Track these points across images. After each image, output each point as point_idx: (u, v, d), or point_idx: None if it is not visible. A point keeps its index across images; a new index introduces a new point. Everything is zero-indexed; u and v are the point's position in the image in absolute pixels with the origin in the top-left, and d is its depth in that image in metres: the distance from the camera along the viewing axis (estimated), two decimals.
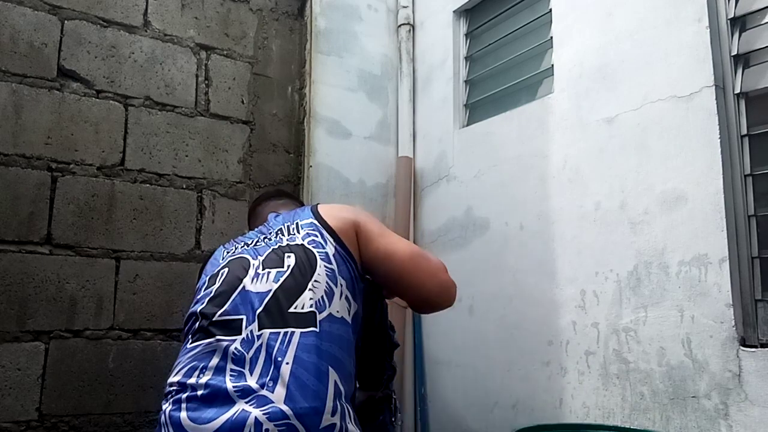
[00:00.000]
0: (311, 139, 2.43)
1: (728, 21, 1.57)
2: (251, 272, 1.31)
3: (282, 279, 1.27)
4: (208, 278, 1.37)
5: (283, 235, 1.39)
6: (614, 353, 1.69)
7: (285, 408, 1.08)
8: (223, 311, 1.25)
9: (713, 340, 1.47)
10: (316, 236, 1.35)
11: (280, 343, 1.16)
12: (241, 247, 1.42)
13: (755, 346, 1.42)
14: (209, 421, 1.08)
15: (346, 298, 1.29)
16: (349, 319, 1.27)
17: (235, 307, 1.25)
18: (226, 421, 1.07)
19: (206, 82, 2.32)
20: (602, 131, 1.80)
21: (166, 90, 2.22)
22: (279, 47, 2.51)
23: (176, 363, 1.23)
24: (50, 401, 1.90)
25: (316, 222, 1.38)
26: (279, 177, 2.42)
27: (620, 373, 1.67)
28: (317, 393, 1.12)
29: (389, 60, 2.69)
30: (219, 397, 1.11)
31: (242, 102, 2.39)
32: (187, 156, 2.24)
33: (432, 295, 1.42)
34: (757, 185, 1.50)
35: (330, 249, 1.33)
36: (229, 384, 1.13)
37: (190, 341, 1.25)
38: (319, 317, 1.21)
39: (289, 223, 1.42)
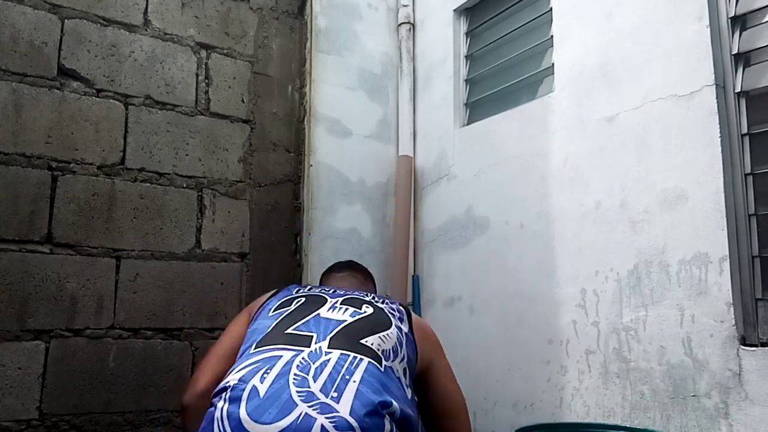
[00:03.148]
0: (311, 138, 2.43)
1: (729, 20, 1.56)
2: (328, 305, 1.38)
3: (358, 317, 1.34)
4: (279, 302, 1.43)
5: (367, 296, 1.48)
6: (614, 352, 1.69)
7: (351, 420, 1.10)
8: (296, 327, 1.30)
9: (713, 339, 1.47)
10: (398, 314, 1.42)
11: (349, 364, 1.20)
12: (318, 289, 1.50)
13: (755, 345, 1.42)
14: (272, 421, 1.08)
15: (404, 370, 1.33)
16: (405, 383, 1.31)
17: (308, 326, 1.30)
18: (291, 423, 1.08)
19: (206, 81, 2.32)
20: (603, 130, 1.80)
21: (166, 89, 2.22)
22: (279, 46, 2.51)
23: (236, 366, 1.24)
24: (51, 400, 1.90)
25: (403, 310, 1.46)
26: (279, 176, 2.42)
27: (620, 372, 1.67)
28: (380, 413, 1.14)
29: (389, 59, 2.69)
30: (281, 399, 1.12)
31: (242, 101, 2.38)
32: (187, 155, 2.24)
33: None
34: (758, 184, 1.50)
35: (404, 328, 1.40)
36: (293, 387, 1.14)
37: (253, 348, 1.28)
38: (384, 362, 1.26)
39: (379, 298, 1.50)
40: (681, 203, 1.57)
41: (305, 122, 2.46)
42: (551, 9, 2.05)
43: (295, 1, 2.58)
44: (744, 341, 1.43)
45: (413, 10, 2.70)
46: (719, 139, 1.51)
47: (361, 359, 1.22)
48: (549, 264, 1.92)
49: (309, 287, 1.53)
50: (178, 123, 2.23)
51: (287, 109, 2.49)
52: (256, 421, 1.09)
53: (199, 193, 2.24)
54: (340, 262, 1.89)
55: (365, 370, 1.19)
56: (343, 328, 1.29)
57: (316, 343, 1.24)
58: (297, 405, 1.10)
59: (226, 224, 2.27)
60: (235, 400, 1.13)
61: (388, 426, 1.14)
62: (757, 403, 1.37)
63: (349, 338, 1.27)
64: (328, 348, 1.23)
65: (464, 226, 2.28)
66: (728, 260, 1.46)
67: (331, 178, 2.45)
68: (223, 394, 1.16)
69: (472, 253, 2.24)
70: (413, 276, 2.49)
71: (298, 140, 2.48)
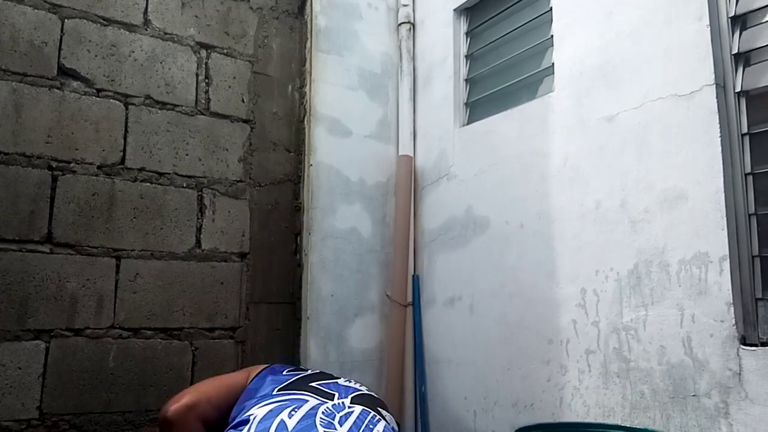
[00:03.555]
0: (311, 137, 2.43)
1: (729, 19, 1.56)
2: (339, 380, 1.44)
3: (361, 399, 1.37)
4: (286, 371, 1.45)
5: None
6: (614, 352, 1.69)
7: None
8: (319, 383, 1.36)
9: (713, 339, 1.47)
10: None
11: (370, 419, 1.25)
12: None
13: (755, 345, 1.42)
14: None
15: None
16: None
17: (328, 386, 1.36)
18: None
19: (206, 80, 2.32)
20: (603, 130, 1.80)
21: (166, 89, 2.22)
22: (279, 46, 2.51)
23: (255, 402, 1.25)
24: (51, 400, 1.90)
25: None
26: (279, 176, 2.42)
27: (620, 371, 1.67)
28: None
29: (389, 58, 2.69)
30: None
31: (242, 101, 2.38)
32: (187, 155, 2.24)
33: None
34: (758, 184, 1.50)
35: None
36: (320, 428, 1.16)
37: (276, 391, 1.30)
38: None
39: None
40: (681, 203, 1.57)
41: (305, 122, 2.46)
42: (551, 9, 2.05)
43: (295, 1, 2.58)
44: (744, 341, 1.43)
45: (413, 10, 2.70)
46: (719, 139, 1.51)
47: (380, 419, 1.27)
48: (549, 264, 1.92)
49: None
50: (178, 123, 2.23)
51: (287, 109, 2.49)
52: None
53: (199, 193, 2.24)
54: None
55: (384, 428, 1.25)
56: (361, 393, 1.37)
57: (339, 399, 1.31)
58: None
59: (226, 224, 2.28)
60: (263, 430, 1.13)
61: None
62: (757, 403, 1.37)
63: (367, 400, 1.34)
64: (350, 403, 1.29)
65: (464, 226, 2.28)
66: (728, 260, 1.46)
67: (331, 178, 2.45)
68: (248, 425, 1.15)
69: (472, 253, 2.24)
70: (413, 276, 2.49)
71: (298, 140, 2.48)
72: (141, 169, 2.14)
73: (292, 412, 1.18)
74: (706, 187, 1.52)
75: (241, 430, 1.15)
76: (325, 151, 2.45)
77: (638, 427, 1.59)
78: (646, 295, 1.63)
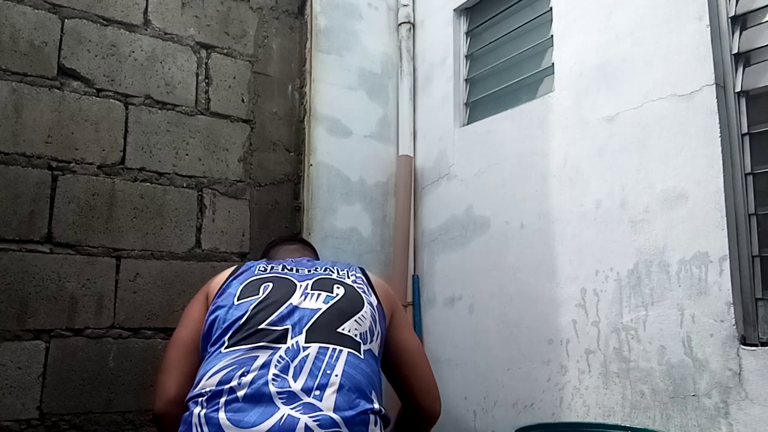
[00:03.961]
0: (311, 137, 2.43)
1: (729, 19, 1.56)
2: (299, 291, 1.33)
3: (331, 302, 1.31)
4: (242, 286, 1.36)
5: (332, 271, 1.45)
6: (614, 352, 1.69)
7: (335, 416, 1.10)
8: (270, 321, 1.25)
9: (714, 339, 1.47)
10: (363, 287, 1.42)
11: (329, 357, 1.19)
12: (281, 269, 1.45)
13: (755, 345, 1.42)
14: (254, 425, 1.07)
15: (378, 346, 1.35)
16: (378, 362, 1.34)
17: (282, 319, 1.26)
18: (274, 425, 1.06)
19: (206, 80, 2.32)
20: (603, 130, 1.80)
21: (166, 89, 2.22)
22: (279, 46, 2.51)
23: (208, 367, 1.20)
24: (51, 400, 1.90)
25: (363, 278, 1.46)
26: (279, 176, 2.42)
27: (620, 371, 1.67)
28: (363, 405, 1.15)
29: (389, 58, 2.69)
30: (262, 401, 1.10)
31: (242, 101, 2.38)
32: (187, 155, 2.23)
33: (432, 386, 1.49)
34: (758, 184, 1.50)
35: (374, 300, 1.40)
36: (273, 388, 1.12)
37: (226, 346, 1.22)
38: (363, 347, 1.26)
39: (338, 267, 1.49)
40: (681, 203, 1.57)
41: (305, 122, 2.46)
42: (551, 9, 2.05)
43: (295, 1, 2.58)
44: (744, 341, 1.43)
45: (413, 10, 2.70)
46: (719, 139, 1.51)
47: (341, 350, 1.21)
48: (549, 264, 1.92)
49: (270, 265, 1.47)
50: (178, 123, 2.23)
51: (287, 109, 2.49)
52: (236, 426, 1.07)
53: (199, 193, 2.24)
54: (288, 236, 1.90)
55: (345, 362, 1.19)
56: (318, 318, 1.26)
57: (292, 337, 1.21)
58: (279, 408, 1.09)
59: (226, 224, 2.27)
60: (213, 405, 1.11)
61: (372, 417, 1.16)
62: (757, 403, 1.37)
63: (326, 328, 1.24)
64: (305, 342, 1.20)
65: (464, 226, 2.28)
66: (728, 260, 1.46)
67: (331, 178, 2.45)
68: (200, 399, 1.14)
69: (472, 253, 2.24)
70: (413, 276, 2.49)
71: (298, 140, 2.48)
72: (141, 169, 2.14)
73: (242, 377, 1.14)
74: (706, 187, 1.52)
75: (193, 409, 1.15)
76: (325, 151, 2.45)
77: (638, 427, 1.59)
78: (646, 295, 1.63)
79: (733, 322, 1.44)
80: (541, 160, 2.00)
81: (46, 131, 1.99)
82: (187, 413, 1.16)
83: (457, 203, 2.33)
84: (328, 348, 1.20)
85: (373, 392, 1.20)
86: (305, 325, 1.24)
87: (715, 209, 1.50)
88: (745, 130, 1.52)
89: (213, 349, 1.25)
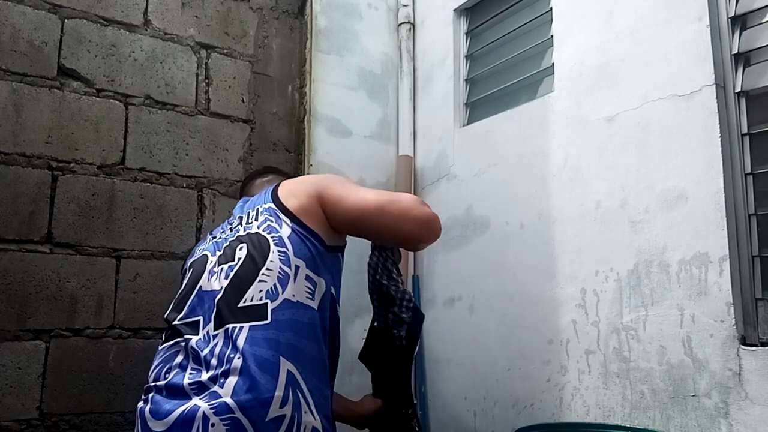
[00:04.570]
0: (311, 137, 2.43)
1: (729, 19, 1.56)
2: (207, 270, 1.36)
3: (232, 274, 1.29)
4: (183, 278, 1.47)
5: (240, 224, 1.41)
6: (614, 352, 1.69)
7: (230, 401, 1.11)
8: (182, 315, 1.32)
9: (713, 339, 1.47)
10: (272, 221, 1.35)
11: (232, 339, 1.19)
12: (210, 241, 1.48)
13: (755, 345, 1.42)
14: (165, 415, 1.15)
15: (307, 278, 1.29)
16: (313, 302, 1.27)
17: (193, 309, 1.31)
18: (179, 416, 1.13)
19: (206, 80, 2.32)
20: (603, 130, 1.80)
21: (166, 89, 2.22)
22: (279, 46, 2.51)
23: (152, 364, 1.32)
24: (51, 400, 1.90)
25: (273, 206, 1.38)
26: None
27: (620, 372, 1.67)
28: (264, 385, 1.13)
29: (389, 59, 2.69)
30: (178, 394, 1.17)
31: (242, 101, 2.38)
32: (187, 155, 2.24)
33: (414, 235, 1.42)
34: (758, 184, 1.50)
35: (285, 231, 1.32)
36: (186, 380, 1.18)
37: (161, 343, 1.34)
38: (271, 306, 1.23)
39: (250, 210, 1.43)
40: (681, 203, 1.57)
41: (305, 122, 2.46)
42: (551, 9, 2.05)
43: (295, 1, 2.58)
44: (744, 341, 1.43)
45: (413, 10, 2.70)
46: (719, 139, 1.51)
47: (242, 327, 1.20)
48: (549, 264, 1.92)
49: (210, 233, 1.54)
50: (178, 123, 2.23)
51: (287, 109, 2.49)
52: (154, 417, 1.17)
53: (200, 193, 2.24)
54: (264, 169, 1.90)
55: (246, 340, 1.18)
56: (221, 298, 1.27)
57: (203, 327, 1.25)
58: (190, 399, 1.15)
59: None
60: (145, 399, 1.23)
61: (280, 389, 1.14)
62: (757, 403, 1.37)
63: (228, 308, 1.24)
64: (214, 330, 1.23)
65: (464, 226, 2.28)
66: (728, 260, 1.46)
67: None
68: (142, 394, 1.27)
69: (472, 253, 2.24)
70: (413, 276, 2.49)
71: (298, 140, 2.48)
72: (141, 169, 2.14)
73: (166, 375, 1.23)
74: (706, 188, 1.52)
75: (139, 402, 1.26)
76: (325, 151, 2.45)
77: (638, 427, 1.59)
78: (646, 295, 1.63)
79: (733, 322, 1.44)
80: (541, 160, 2.00)
81: (46, 131, 1.99)
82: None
83: (457, 203, 2.33)
84: (229, 328, 1.21)
85: (282, 359, 1.17)
86: (212, 313, 1.26)
87: (715, 209, 1.50)
88: (745, 130, 1.52)
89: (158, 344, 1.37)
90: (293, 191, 1.40)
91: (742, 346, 1.42)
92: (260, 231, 1.34)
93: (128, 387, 2.02)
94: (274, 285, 1.25)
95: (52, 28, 2.04)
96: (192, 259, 1.48)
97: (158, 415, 1.16)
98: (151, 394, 1.23)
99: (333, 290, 1.36)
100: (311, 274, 1.30)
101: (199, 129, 2.27)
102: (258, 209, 1.40)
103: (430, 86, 2.57)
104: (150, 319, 2.08)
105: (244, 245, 1.33)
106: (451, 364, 2.26)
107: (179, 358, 1.25)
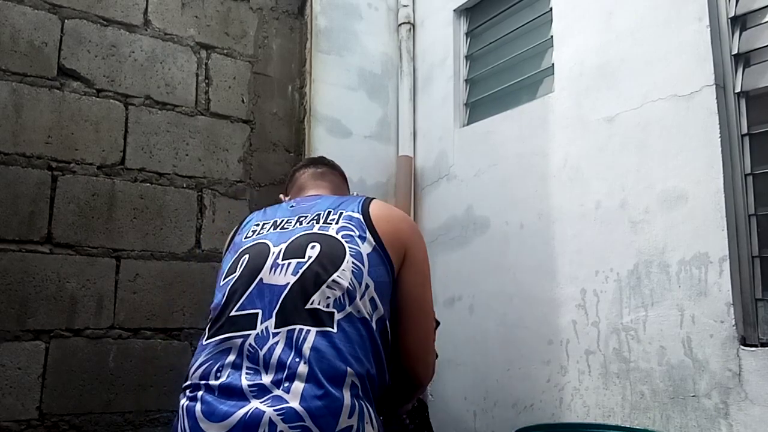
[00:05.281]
0: (311, 138, 2.43)
1: (729, 20, 1.56)
2: (270, 261, 1.26)
3: (301, 271, 1.22)
4: (231, 262, 1.33)
5: (317, 222, 1.33)
6: (614, 352, 1.69)
7: (299, 409, 1.06)
8: (239, 306, 1.22)
9: (713, 340, 1.47)
10: (353, 232, 1.29)
11: (296, 342, 1.13)
12: (269, 227, 1.37)
13: (755, 346, 1.42)
14: (223, 417, 1.07)
15: (372, 300, 1.24)
16: (372, 321, 1.22)
17: (252, 302, 1.21)
18: (240, 419, 1.06)
19: (206, 81, 2.32)
20: (603, 130, 1.80)
21: (166, 89, 2.22)
22: (279, 46, 2.51)
23: (195, 358, 1.21)
24: (51, 400, 1.90)
25: (361, 218, 1.32)
26: (279, 176, 2.42)
27: (620, 372, 1.67)
28: (333, 394, 1.09)
29: (389, 59, 2.69)
30: (234, 395, 1.10)
31: (242, 101, 2.38)
32: (187, 155, 2.24)
33: (420, 347, 1.39)
34: (758, 184, 1.50)
35: (366, 248, 1.28)
36: (245, 382, 1.11)
37: (206, 336, 1.23)
38: (337, 317, 1.17)
39: (331, 210, 1.36)
40: (681, 203, 1.57)
41: (305, 122, 2.46)
42: (551, 9, 2.05)
43: (295, 1, 2.58)
44: (744, 341, 1.43)
45: (413, 10, 2.70)
46: (719, 140, 1.51)
47: (308, 331, 1.14)
48: (549, 264, 1.92)
49: (264, 221, 1.41)
50: (178, 123, 2.23)
51: (287, 109, 2.49)
52: (208, 419, 1.08)
53: (199, 194, 2.24)
54: (314, 159, 1.75)
55: (313, 345, 1.12)
56: (286, 296, 1.20)
57: (262, 322, 1.17)
58: (249, 402, 1.08)
59: (226, 224, 2.27)
60: (193, 398, 1.14)
61: (348, 399, 1.09)
62: (757, 403, 1.37)
63: (293, 306, 1.18)
64: (275, 328, 1.16)
65: (464, 226, 2.28)
66: (728, 260, 1.46)
67: None
68: (186, 390, 1.17)
69: (472, 253, 2.24)
70: None
71: (298, 140, 2.48)
72: (141, 170, 2.14)
73: (218, 374, 1.14)
74: (706, 188, 1.52)
75: (180, 399, 1.17)
76: (325, 151, 2.44)
77: (638, 427, 1.59)
78: (646, 295, 1.63)
79: (733, 322, 1.44)
80: (541, 161, 2.00)
81: (46, 131, 1.99)
82: (179, 405, 1.17)
83: (457, 203, 2.33)
84: (294, 330, 1.15)
85: (349, 370, 1.12)
86: (274, 308, 1.19)
87: (715, 210, 1.50)
88: (744, 130, 1.52)
89: (202, 338, 1.25)
90: (389, 218, 1.35)
91: (742, 347, 1.42)
92: (337, 236, 1.28)
93: (128, 387, 2.02)
94: (342, 295, 1.20)
95: (52, 29, 2.04)
96: (247, 244, 1.35)
97: (214, 417, 1.08)
98: (200, 393, 1.13)
99: (388, 323, 1.30)
100: (376, 298, 1.25)
101: (199, 129, 2.27)
102: (341, 213, 1.34)
103: (430, 86, 2.57)
104: (150, 320, 2.08)
105: (318, 245, 1.26)
106: (451, 364, 2.26)
107: (231, 357, 1.15)
